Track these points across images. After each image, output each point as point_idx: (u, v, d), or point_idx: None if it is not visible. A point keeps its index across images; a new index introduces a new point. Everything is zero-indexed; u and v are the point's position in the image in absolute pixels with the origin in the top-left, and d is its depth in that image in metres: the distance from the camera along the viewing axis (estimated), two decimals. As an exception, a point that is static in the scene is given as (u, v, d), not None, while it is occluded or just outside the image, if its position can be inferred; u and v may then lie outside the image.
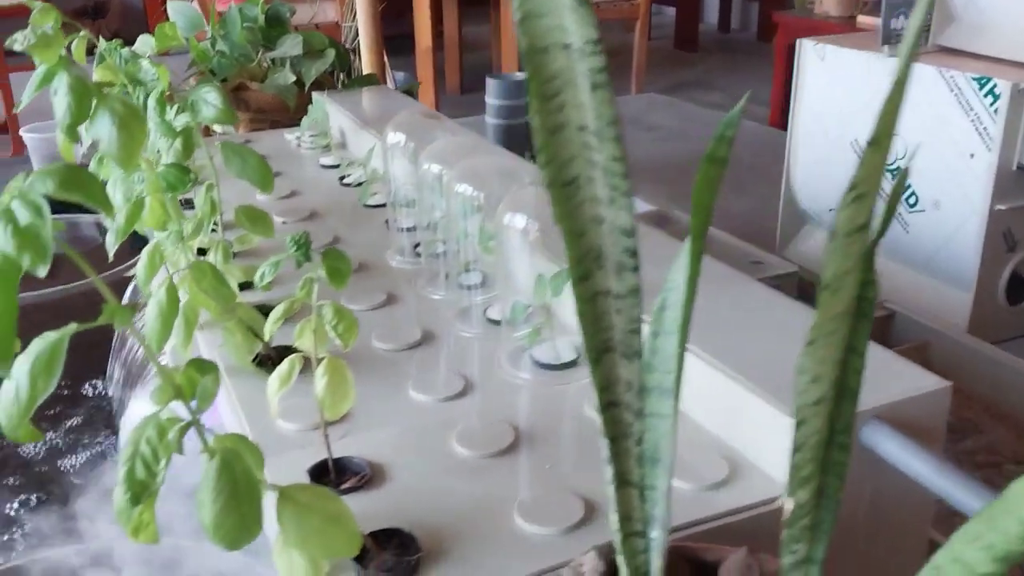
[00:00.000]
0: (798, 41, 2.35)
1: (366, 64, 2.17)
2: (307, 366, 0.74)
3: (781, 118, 3.54)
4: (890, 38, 2.16)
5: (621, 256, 0.43)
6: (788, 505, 0.43)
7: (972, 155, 2.01)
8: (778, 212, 2.34)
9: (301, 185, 1.58)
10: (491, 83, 2.68)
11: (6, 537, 1.28)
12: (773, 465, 0.74)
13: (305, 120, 1.61)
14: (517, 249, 0.94)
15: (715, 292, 0.92)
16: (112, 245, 0.92)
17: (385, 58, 2.21)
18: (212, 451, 0.54)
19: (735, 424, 0.78)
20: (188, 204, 1.26)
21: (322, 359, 0.72)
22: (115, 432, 1.52)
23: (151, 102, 0.98)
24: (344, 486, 0.75)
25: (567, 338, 0.97)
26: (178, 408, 0.56)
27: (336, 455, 0.77)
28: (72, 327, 0.49)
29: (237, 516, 0.52)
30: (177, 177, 0.92)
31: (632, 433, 0.45)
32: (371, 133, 1.56)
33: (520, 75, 2.86)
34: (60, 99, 0.81)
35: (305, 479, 0.76)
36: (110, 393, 1.61)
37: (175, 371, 0.56)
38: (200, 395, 0.55)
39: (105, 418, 1.57)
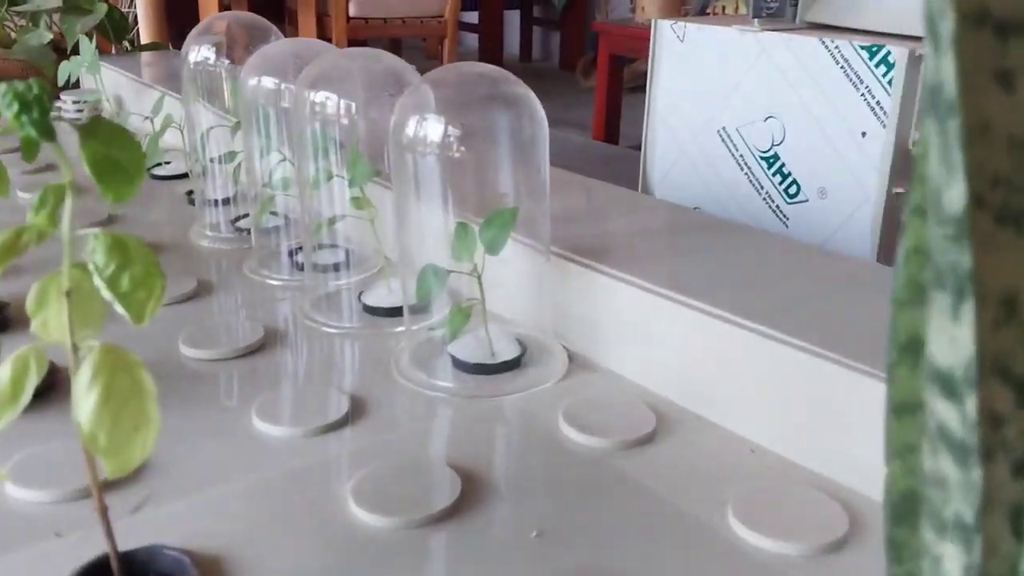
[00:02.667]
0: (654, 21, 2.11)
1: (145, 31, 1.73)
2: (57, 379, 0.35)
3: (606, 133, 3.36)
4: (760, 11, 1.96)
5: None
6: None
7: (864, 134, 1.81)
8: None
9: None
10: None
11: None
12: None
13: (64, 70, 1.17)
14: (419, 189, 0.59)
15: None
16: None
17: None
18: None
19: None
20: None
21: (89, 351, 0.34)
22: None
23: None
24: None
25: (504, 326, 0.62)
26: None
27: (127, 546, 0.39)
28: None
29: None
30: None
31: None
32: (161, 92, 1.15)
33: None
34: None
35: (59, 604, 0.37)
36: None
37: None
38: None
39: None
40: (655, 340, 0.56)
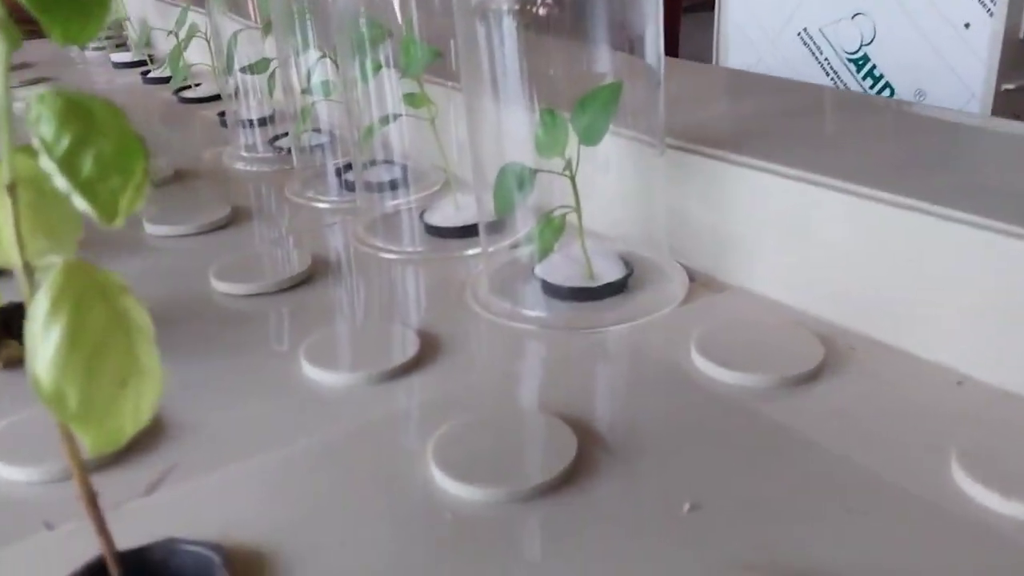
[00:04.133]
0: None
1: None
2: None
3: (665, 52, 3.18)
4: None
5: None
6: None
7: (967, 25, 1.61)
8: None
9: (82, 88, 1.03)
10: None
11: None
12: None
13: None
14: (493, 71, 0.47)
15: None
16: None
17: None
18: None
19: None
20: None
21: (45, 271, 0.23)
22: None
23: None
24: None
25: (604, 243, 0.50)
26: None
27: (137, 539, 0.28)
28: None
29: None
30: None
31: None
32: (184, 4, 1.03)
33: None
34: None
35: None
36: None
37: None
38: None
39: None
40: (810, 245, 0.43)
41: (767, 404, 0.37)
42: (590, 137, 0.44)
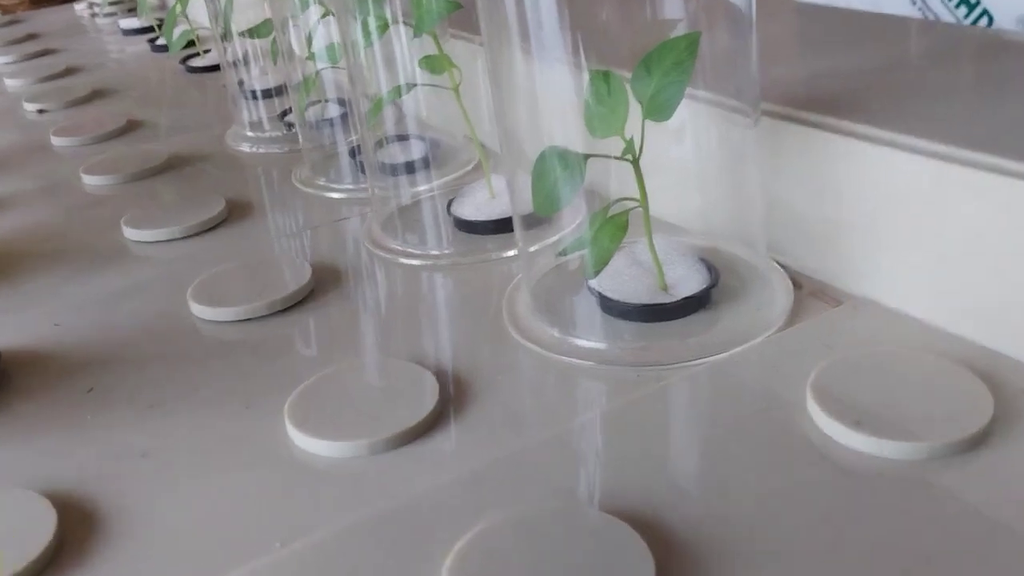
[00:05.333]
0: None
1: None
2: None
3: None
4: None
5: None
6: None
7: None
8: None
9: (85, 59, 0.94)
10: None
11: None
12: None
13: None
14: (525, 23, 0.35)
15: None
16: None
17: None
18: None
19: None
20: None
21: None
22: None
23: None
24: None
25: (676, 238, 0.39)
26: None
27: None
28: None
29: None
30: None
31: None
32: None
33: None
34: None
35: None
36: None
37: None
38: None
39: None
40: (958, 242, 0.32)
41: (928, 478, 0.26)
42: (658, 109, 0.33)
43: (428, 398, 0.32)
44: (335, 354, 0.37)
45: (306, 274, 0.42)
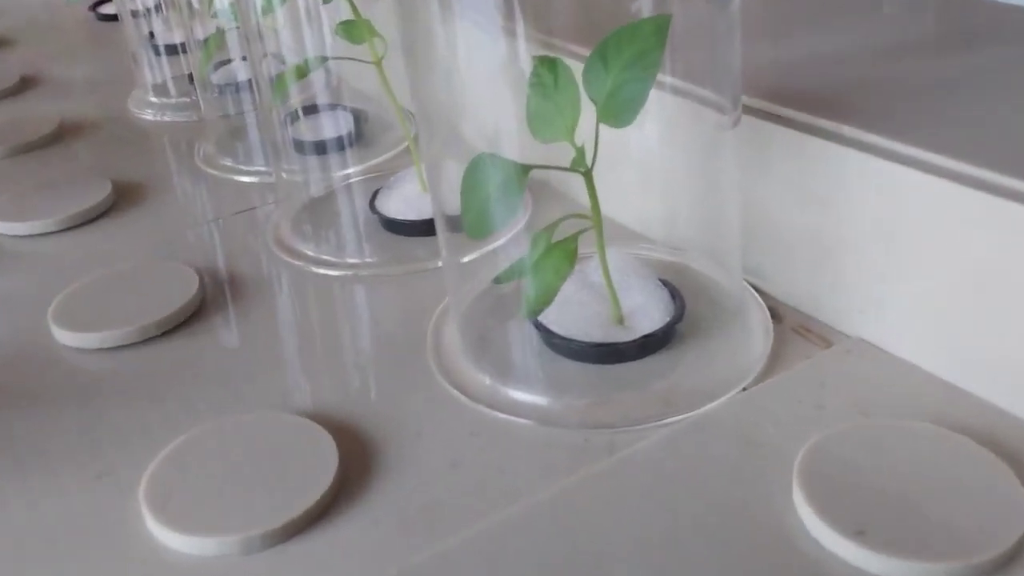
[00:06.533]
0: None
1: None
2: None
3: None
4: None
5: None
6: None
7: None
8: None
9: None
10: None
11: None
12: None
13: None
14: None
15: None
16: None
17: None
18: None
19: None
20: None
21: None
22: None
23: None
24: None
25: (632, 249, 0.33)
26: None
27: None
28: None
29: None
30: None
31: None
32: None
33: None
34: None
35: None
36: None
37: None
38: None
39: None
40: (981, 282, 0.26)
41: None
42: (616, 112, 0.26)
43: (322, 474, 0.26)
44: (214, 402, 0.30)
45: (192, 287, 0.35)
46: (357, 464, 0.27)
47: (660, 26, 0.25)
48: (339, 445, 0.27)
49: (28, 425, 0.30)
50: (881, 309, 0.29)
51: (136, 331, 0.33)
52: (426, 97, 0.30)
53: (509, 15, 0.27)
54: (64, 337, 0.34)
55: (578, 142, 0.27)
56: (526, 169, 0.27)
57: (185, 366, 0.32)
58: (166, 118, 0.54)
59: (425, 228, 0.38)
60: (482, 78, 0.30)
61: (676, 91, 0.29)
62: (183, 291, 0.35)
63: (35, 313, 0.35)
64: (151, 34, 0.59)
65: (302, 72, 0.36)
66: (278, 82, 0.37)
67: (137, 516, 0.25)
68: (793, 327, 0.31)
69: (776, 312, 0.31)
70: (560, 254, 0.27)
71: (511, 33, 0.27)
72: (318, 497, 0.25)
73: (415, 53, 0.30)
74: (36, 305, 0.36)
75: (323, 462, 0.26)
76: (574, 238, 0.28)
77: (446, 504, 0.25)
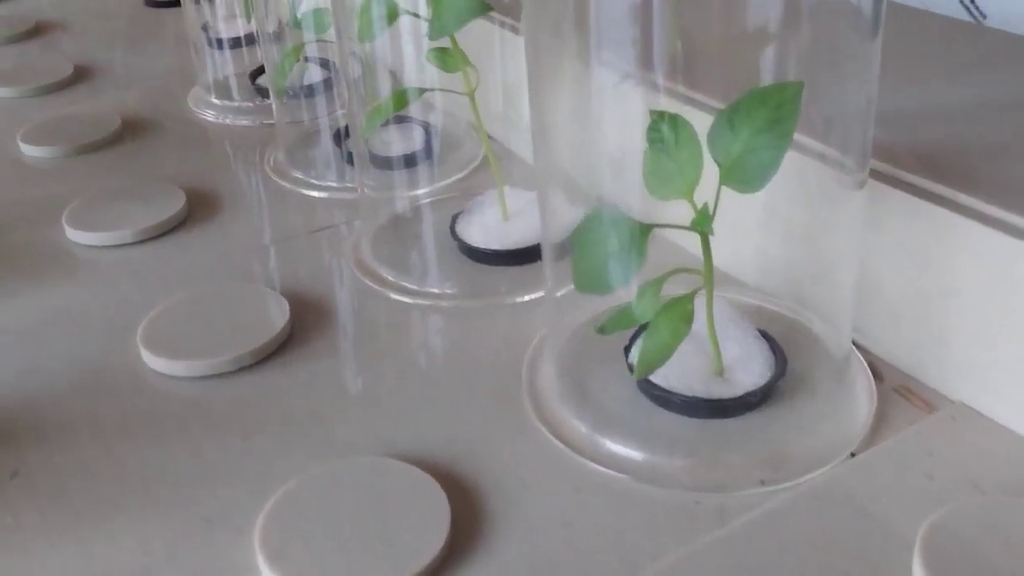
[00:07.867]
0: None
1: None
2: None
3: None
4: None
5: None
6: None
7: None
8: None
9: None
10: None
11: None
12: None
13: None
14: (577, 35, 0.28)
15: None
16: None
17: None
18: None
19: None
20: None
21: None
22: None
23: None
24: None
25: (733, 290, 0.32)
26: None
27: None
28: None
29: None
30: None
31: None
32: None
33: None
34: None
35: None
36: None
37: None
38: None
39: None
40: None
41: None
42: (744, 178, 0.26)
43: (436, 527, 0.26)
44: (310, 442, 0.30)
45: (282, 315, 0.35)
46: (467, 516, 0.27)
47: (794, 94, 0.25)
48: (448, 494, 0.27)
49: (134, 457, 0.30)
50: (985, 375, 0.29)
51: (230, 361, 0.33)
52: (546, 126, 0.30)
53: (645, 59, 0.26)
54: (155, 363, 0.34)
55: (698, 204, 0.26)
56: (648, 229, 0.27)
57: (277, 400, 0.32)
58: (227, 121, 0.54)
59: (507, 259, 0.38)
60: (610, 117, 0.29)
61: (802, 148, 0.29)
62: (274, 318, 0.35)
63: (122, 334, 0.35)
64: (205, 26, 0.58)
65: (400, 103, 0.36)
66: (373, 113, 0.37)
67: (251, 566, 0.25)
68: (894, 386, 0.31)
69: (875, 369, 0.31)
70: (677, 315, 0.27)
71: (645, 82, 0.27)
72: (435, 553, 0.25)
73: (539, 80, 0.29)
74: (122, 326, 0.35)
75: (435, 515, 0.26)
76: (690, 298, 0.27)
77: (562, 568, 0.25)
